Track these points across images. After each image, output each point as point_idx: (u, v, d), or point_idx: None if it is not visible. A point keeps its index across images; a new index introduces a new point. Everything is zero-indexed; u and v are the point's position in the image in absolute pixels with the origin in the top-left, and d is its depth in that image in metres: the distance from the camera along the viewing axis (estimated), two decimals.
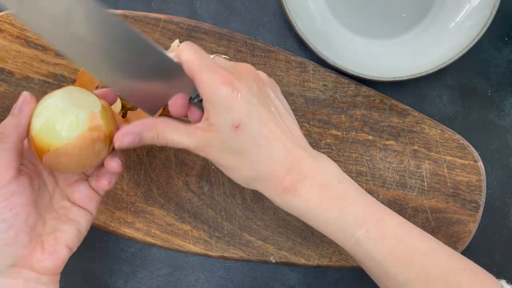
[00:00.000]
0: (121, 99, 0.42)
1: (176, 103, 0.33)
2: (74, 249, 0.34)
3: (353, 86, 0.43)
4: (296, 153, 0.32)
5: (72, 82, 0.43)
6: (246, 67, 0.33)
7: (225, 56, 0.38)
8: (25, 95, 0.32)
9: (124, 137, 0.32)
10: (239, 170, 0.32)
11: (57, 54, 0.43)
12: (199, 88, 0.31)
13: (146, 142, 0.32)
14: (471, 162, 0.43)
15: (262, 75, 0.34)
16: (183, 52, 0.32)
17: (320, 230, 0.33)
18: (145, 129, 0.32)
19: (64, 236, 0.33)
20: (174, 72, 0.32)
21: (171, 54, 0.32)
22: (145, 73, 0.32)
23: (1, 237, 0.30)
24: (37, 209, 0.32)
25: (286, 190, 0.32)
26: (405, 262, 0.31)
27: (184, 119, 0.41)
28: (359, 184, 0.43)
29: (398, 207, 0.43)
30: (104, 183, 0.35)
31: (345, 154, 0.43)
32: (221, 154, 0.32)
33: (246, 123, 0.30)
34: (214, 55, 0.34)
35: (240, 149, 0.31)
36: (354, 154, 0.43)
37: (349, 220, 0.32)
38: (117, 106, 0.41)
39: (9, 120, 0.32)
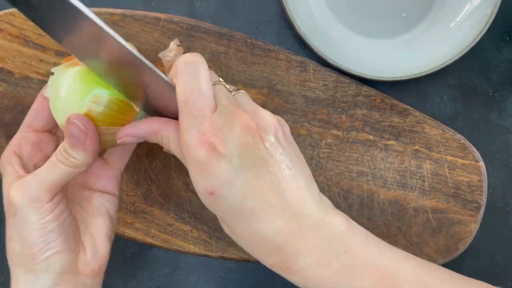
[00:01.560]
0: None
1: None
2: (113, 236, 0.34)
3: (354, 85, 0.43)
4: (290, 228, 0.26)
5: None
6: (242, 118, 0.27)
7: (230, 87, 0.31)
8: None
9: (127, 137, 0.30)
10: (224, 225, 0.29)
11: (57, 55, 0.43)
12: (179, 134, 0.27)
13: (150, 141, 0.31)
14: (472, 162, 0.43)
15: (266, 119, 0.28)
16: (176, 77, 0.27)
17: None
18: (150, 132, 0.30)
19: (101, 231, 0.33)
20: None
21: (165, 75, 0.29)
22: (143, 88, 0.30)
23: (54, 244, 0.30)
24: (72, 211, 0.32)
25: (274, 266, 0.28)
26: None
27: None
28: (359, 184, 0.43)
29: (399, 207, 0.43)
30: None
31: (346, 154, 0.43)
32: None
33: (222, 194, 0.26)
34: (218, 80, 0.30)
35: (213, 210, 0.28)
36: (354, 154, 0.43)
37: None
38: None
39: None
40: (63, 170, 0.29)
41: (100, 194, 0.33)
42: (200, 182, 0.26)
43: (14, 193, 0.29)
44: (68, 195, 0.33)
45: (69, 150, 0.29)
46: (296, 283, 0.28)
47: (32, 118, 0.34)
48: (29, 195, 0.29)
